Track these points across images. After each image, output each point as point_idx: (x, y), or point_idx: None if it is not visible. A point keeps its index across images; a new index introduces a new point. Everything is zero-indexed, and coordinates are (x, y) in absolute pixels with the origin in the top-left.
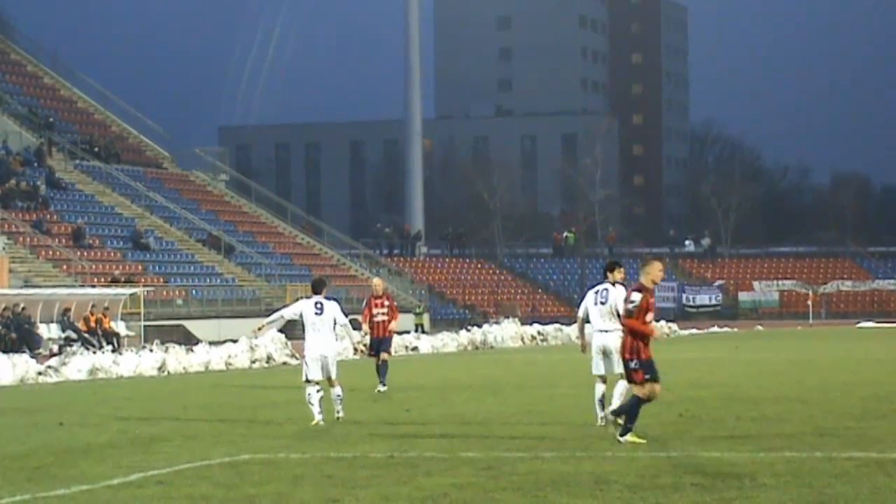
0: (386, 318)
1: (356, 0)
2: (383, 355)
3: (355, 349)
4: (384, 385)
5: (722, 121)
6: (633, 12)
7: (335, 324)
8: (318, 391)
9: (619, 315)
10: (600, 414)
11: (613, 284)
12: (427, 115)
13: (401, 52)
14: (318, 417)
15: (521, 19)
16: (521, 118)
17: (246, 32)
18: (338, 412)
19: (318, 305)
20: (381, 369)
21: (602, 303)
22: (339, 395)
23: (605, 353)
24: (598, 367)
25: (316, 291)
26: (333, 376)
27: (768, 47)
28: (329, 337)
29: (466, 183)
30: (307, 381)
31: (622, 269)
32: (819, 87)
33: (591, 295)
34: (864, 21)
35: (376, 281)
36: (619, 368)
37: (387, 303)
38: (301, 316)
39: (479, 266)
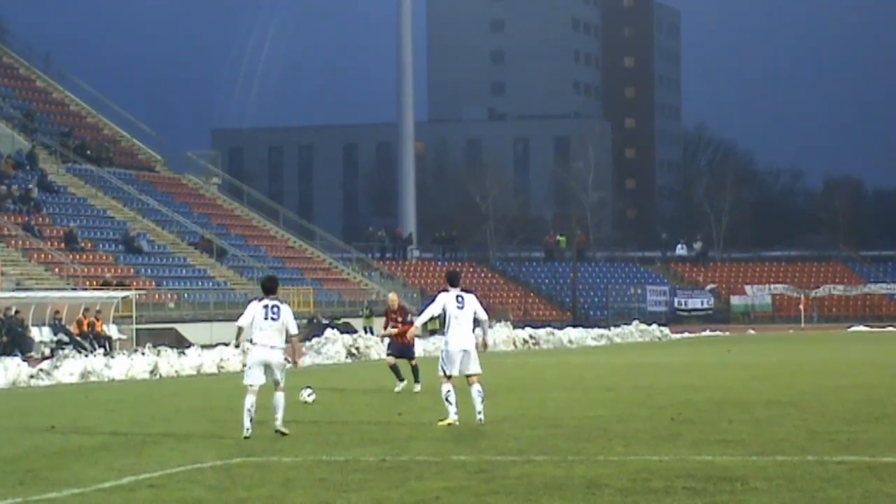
0: (401, 326)
1: (349, 3)
2: (412, 361)
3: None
4: (418, 384)
5: (714, 124)
6: (625, 16)
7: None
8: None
9: None
10: None
11: None
12: (420, 119)
13: (393, 55)
14: (453, 417)
15: (514, 22)
16: (514, 121)
17: (239, 36)
18: (479, 413)
19: (460, 299)
20: (414, 371)
21: None
22: (479, 392)
23: None
24: None
25: (453, 284)
26: (474, 371)
27: (761, 51)
28: (470, 331)
29: (459, 186)
30: (446, 377)
31: None
32: (811, 91)
33: None
34: (858, 25)
35: (392, 296)
36: None
37: (399, 318)
38: (444, 310)
39: (471, 269)
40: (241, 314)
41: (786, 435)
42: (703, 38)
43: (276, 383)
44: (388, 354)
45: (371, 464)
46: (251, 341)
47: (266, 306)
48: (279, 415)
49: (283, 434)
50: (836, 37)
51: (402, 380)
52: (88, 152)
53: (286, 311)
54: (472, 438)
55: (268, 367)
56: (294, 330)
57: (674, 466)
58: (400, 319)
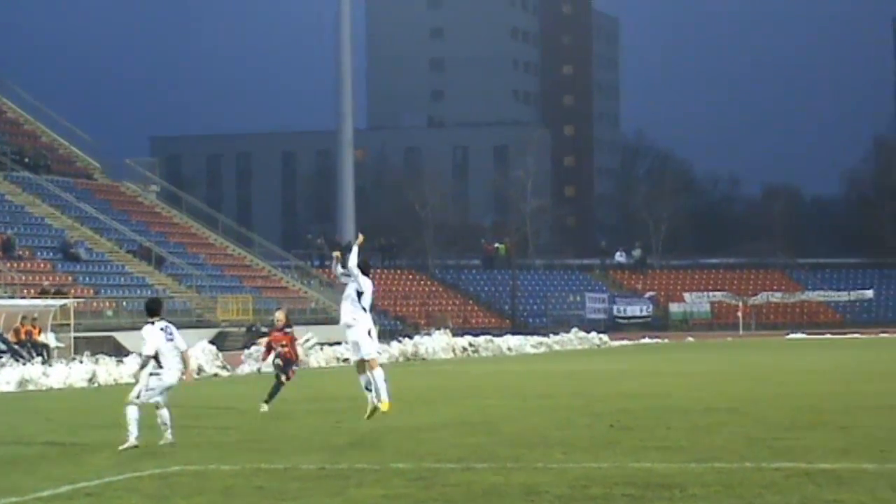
0: (286, 349)
1: (288, 10)
2: (283, 377)
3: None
4: (268, 404)
5: (653, 132)
6: (564, 23)
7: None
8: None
9: None
10: None
11: None
12: (359, 126)
13: (333, 62)
14: (372, 401)
15: (454, 30)
16: (453, 129)
17: (177, 43)
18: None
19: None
20: (275, 390)
21: None
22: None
23: None
24: None
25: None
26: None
27: (699, 58)
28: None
29: (398, 193)
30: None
31: None
32: (749, 99)
33: None
34: (794, 35)
35: (279, 314)
36: None
37: (287, 335)
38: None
39: (410, 277)
40: (178, 322)
41: (724, 442)
42: (641, 45)
43: (160, 403)
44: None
45: (310, 472)
46: (159, 365)
47: (163, 329)
48: (171, 429)
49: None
50: (773, 44)
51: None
52: (26, 160)
53: (175, 330)
54: (412, 446)
55: (168, 389)
56: (184, 346)
57: (613, 473)
58: (287, 338)
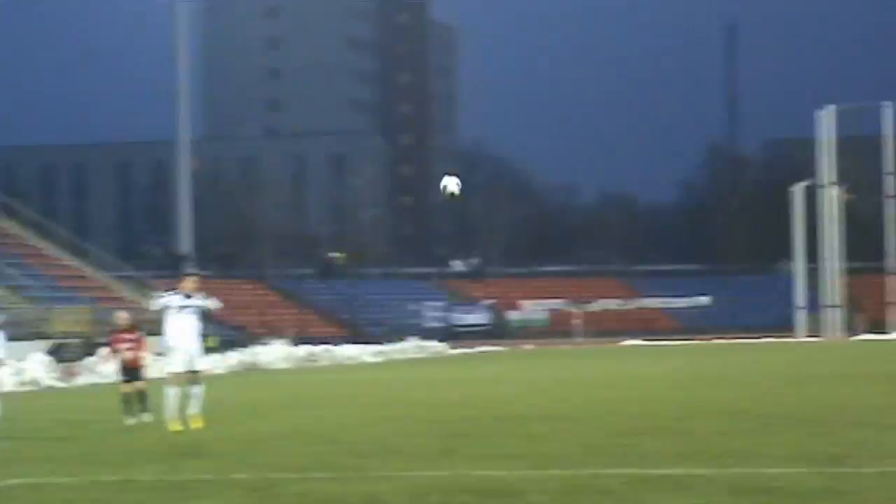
0: (132, 350)
1: (122, 17)
2: (139, 384)
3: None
4: (148, 413)
5: (491, 141)
6: (400, 32)
7: None
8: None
9: None
10: None
11: None
12: (195, 135)
13: (168, 72)
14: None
15: (290, 39)
16: (290, 138)
17: (6, 51)
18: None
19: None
20: (141, 398)
21: None
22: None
23: None
24: None
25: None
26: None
27: (536, 68)
28: None
29: (235, 203)
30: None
31: None
32: (586, 108)
33: None
34: (630, 43)
35: (121, 314)
36: None
37: (131, 336)
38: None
39: (248, 287)
40: (14, 333)
41: (561, 448)
42: (479, 55)
43: None
44: (123, 381)
45: (147, 483)
46: None
47: None
48: None
49: None
50: (609, 53)
51: (133, 414)
52: None
53: None
54: (251, 456)
55: None
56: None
57: (452, 481)
58: (131, 337)
